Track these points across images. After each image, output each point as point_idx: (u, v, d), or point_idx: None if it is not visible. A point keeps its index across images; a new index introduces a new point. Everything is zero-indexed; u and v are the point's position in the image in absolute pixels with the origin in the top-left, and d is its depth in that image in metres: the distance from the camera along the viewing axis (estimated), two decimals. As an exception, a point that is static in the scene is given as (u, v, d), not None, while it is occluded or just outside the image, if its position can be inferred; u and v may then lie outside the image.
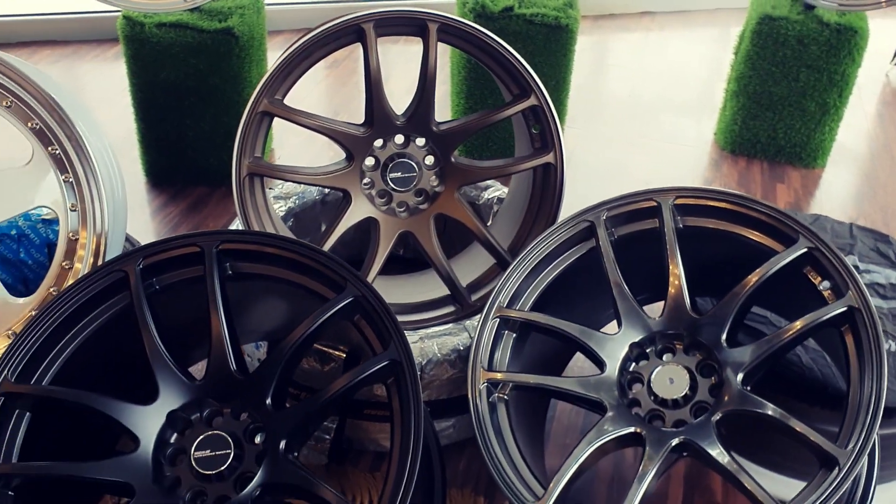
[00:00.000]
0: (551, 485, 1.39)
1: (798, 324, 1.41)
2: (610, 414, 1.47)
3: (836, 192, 2.83)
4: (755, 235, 1.52)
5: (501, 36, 1.74)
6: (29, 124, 1.60)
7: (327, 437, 1.78)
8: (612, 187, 2.68)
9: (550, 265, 1.64)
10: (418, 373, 1.30)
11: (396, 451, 1.24)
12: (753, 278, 1.46)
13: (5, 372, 1.33)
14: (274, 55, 2.77)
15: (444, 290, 1.86)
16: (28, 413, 1.35)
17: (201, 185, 2.74)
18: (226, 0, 2.56)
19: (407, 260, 2.29)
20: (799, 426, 1.36)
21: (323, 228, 2.24)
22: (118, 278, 1.41)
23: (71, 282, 1.63)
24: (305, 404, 1.32)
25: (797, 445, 1.37)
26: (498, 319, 1.58)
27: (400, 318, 1.65)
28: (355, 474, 1.83)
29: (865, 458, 1.30)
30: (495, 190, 2.18)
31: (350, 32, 1.68)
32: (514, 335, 1.60)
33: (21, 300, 1.63)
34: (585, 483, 1.81)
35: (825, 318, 1.38)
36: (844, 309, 1.37)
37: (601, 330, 1.57)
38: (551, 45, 2.65)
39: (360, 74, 3.68)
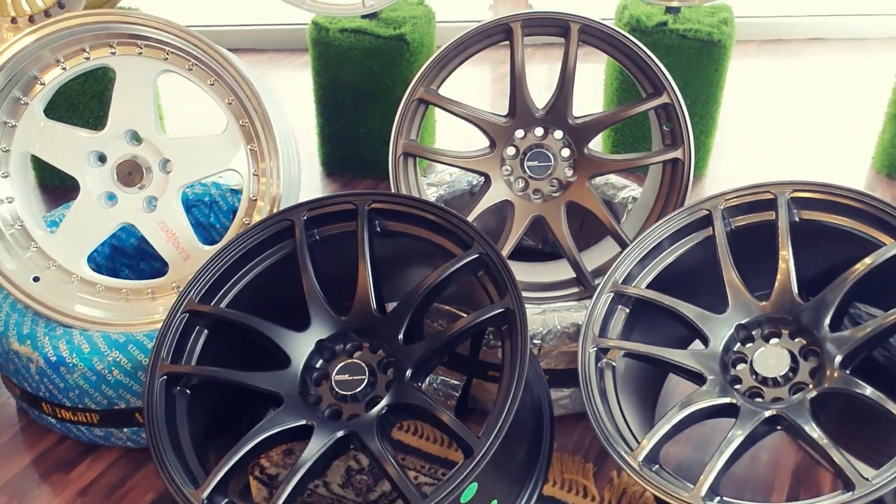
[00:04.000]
0: (644, 440, 1.51)
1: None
2: (707, 384, 1.57)
3: None
4: (868, 230, 1.58)
5: (654, 49, 1.89)
6: (227, 100, 1.91)
7: (455, 394, 1.98)
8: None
9: (668, 249, 1.76)
10: (528, 326, 1.46)
11: (506, 380, 1.41)
12: (861, 267, 1.52)
13: (190, 294, 1.62)
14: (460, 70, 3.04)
15: (569, 274, 2.02)
16: (206, 330, 1.63)
17: (370, 176, 3.03)
18: (402, 10, 2.84)
19: (544, 254, 2.46)
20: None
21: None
22: (286, 226, 1.67)
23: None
24: (430, 340, 1.52)
25: (885, 435, 1.43)
26: (612, 294, 1.72)
27: (526, 295, 1.83)
28: (476, 430, 2.00)
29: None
30: (631, 189, 2.31)
31: (500, 31, 1.89)
32: (627, 311, 1.74)
33: (208, 247, 1.94)
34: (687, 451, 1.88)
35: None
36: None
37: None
38: (703, 59, 2.75)
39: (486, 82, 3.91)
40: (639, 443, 1.53)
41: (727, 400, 1.54)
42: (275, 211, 1.89)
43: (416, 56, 2.80)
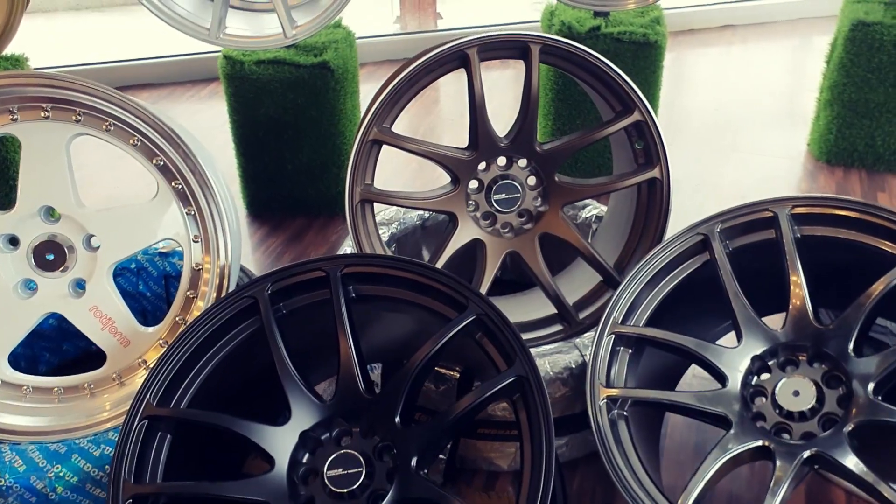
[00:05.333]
0: (682, 498, 1.38)
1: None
2: (735, 428, 1.45)
3: (942, 198, 2.75)
4: (877, 242, 1.49)
5: None
6: (154, 161, 1.69)
7: (442, 456, 1.81)
8: (703, 202, 2.65)
9: (664, 280, 1.64)
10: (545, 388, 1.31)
11: (528, 468, 1.26)
12: (880, 286, 1.43)
13: (147, 396, 1.40)
14: (365, 87, 2.86)
15: (548, 310, 1.88)
16: (169, 435, 1.41)
17: (300, 216, 2.81)
18: (319, 35, 2.64)
19: (505, 282, 2.31)
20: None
21: (424, 253, 2.28)
22: (247, 304, 1.47)
23: (196, 310, 1.70)
24: (436, 421, 1.34)
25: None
26: (614, 336, 1.59)
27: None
28: (470, 493, 1.84)
29: None
30: (594, 208, 2.19)
31: (454, 59, 1.73)
32: (630, 351, 1.61)
33: (150, 329, 1.71)
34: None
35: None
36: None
37: (717, 343, 1.56)
38: (640, 61, 2.66)
39: (441, 104, 3.76)
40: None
41: (759, 443, 1.42)
42: (226, 280, 1.67)
43: (342, 83, 2.60)
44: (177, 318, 1.71)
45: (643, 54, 2.64)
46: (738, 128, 3.26)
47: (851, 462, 1.35)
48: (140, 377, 1.70)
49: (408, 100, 1.77)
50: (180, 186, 1.69)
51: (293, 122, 2.62)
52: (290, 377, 1.40)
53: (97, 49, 4.09)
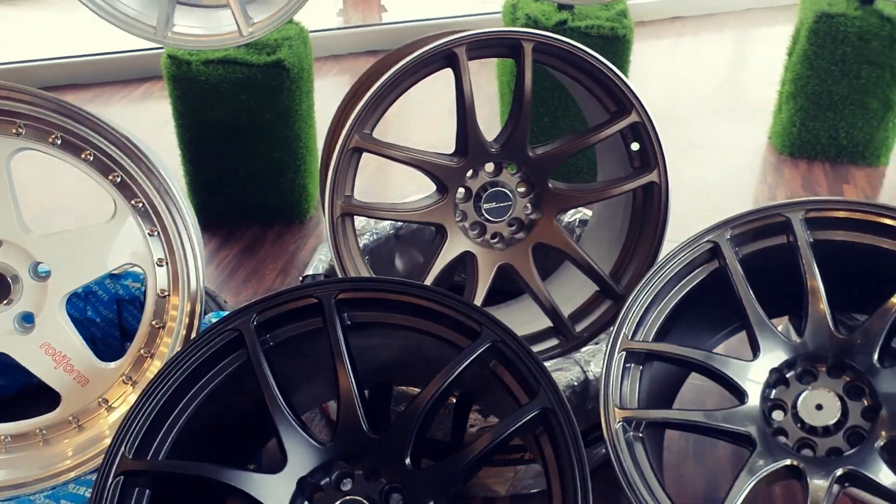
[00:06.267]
0: (713, 529, 1.29)
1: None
2: (760, 447, 1.37)
3: (904, 189, 2.76)
4: (893, 245, 1.43)
5: None
6: (110, 177, 1.51)
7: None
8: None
9: (672, 291, 1.55)
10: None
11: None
12: (902, 296, 1.37)
13: (122, 449, 1.23)
14: (320, 83, 2.70)
15: (542, 322, 1.77)
16: (148, 490, 1.25)
17: (254, 225, 2.64)
18: (271, 33, 2.47)
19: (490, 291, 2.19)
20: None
21: (397, 263, 2.15)
22: (231, 338, 1.31)
23: (163, 343, 1.54)
24: (452, 462, 1.22)
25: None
26: (625, 353, 1.49)
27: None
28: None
29: None
30: (577, 212, 2.09)
31: (441, 58, 1.60)
32: (641, 367, 1.51)
33: (112, 364, 1.53)
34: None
35: None
36: None
37: (728, 355, 1.48)
38: (608, 56, 2.52)
39: (407, 109, 3.61)
40: (701, 531, 1.31)
41: (787, 462, 1.35)
42: (198, 306, 1.51)
43: (297, 83, 2.44)
44: (141, 351, 1.55)
45: (611, 48, 2.56)
46: (694, 122, 3.22)
47: (887, 478, 1.29)
48: (102, 419, 1.53)
49: (390, 103, 1.63)
50: (141, 204, 1.52)
51: (246, 124, 2.45)
52: (285, 418, 1.26)
53: (8, 47, 3.78)
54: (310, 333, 1.34)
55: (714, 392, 1.98)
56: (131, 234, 1.53)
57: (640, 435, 1.44)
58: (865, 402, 1.39)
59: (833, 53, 2.68)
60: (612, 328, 1.52)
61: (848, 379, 1.42)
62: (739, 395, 1.44)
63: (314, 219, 2.70)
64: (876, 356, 1.39)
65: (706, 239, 1.52)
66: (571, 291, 1.85)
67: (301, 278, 1.96)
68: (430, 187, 1.69)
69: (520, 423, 1.19)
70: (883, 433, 1.33)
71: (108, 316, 1.95)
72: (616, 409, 1.44)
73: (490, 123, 3.12)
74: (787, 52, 2.88)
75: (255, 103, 2.41)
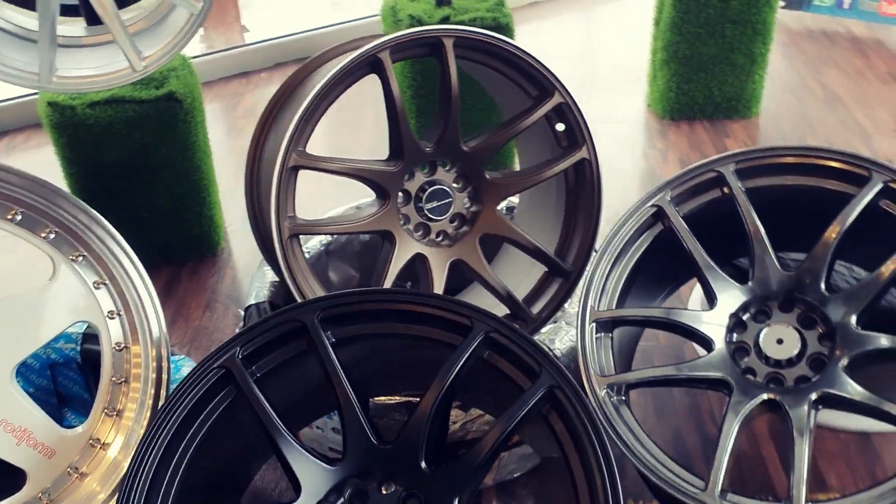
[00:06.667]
0: (713, 471, 1.36)
1: (890, 261, 1.43)
2: (736, 389, 1.45)
3: (781, 135, 2.96)
4: (823, 182, 1.54)
5: None
6: (43, 234, 1.43)
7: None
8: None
9: (625, 258, 1.61)
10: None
11: (584, 482, 1.18)
12: (837, 226, 1.48)
13: (124, 514, 1.17)
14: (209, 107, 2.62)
15: (497, 311, 1.80)
16: (160, 553, 1.19)
17: (165, 265, 2.54)
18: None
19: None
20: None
21: (332, 278, 2.13)
22: (217, 377, 1.27)
23: (130, 398, 1.47)
24: (468, 458, 1.22)
25: None
26: (595, 323, 1.54)
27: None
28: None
29: None
30: (504, 202, 2.13)
31: (366, 65, 1.59)
32: (610, 335, 1.57)
33: (79, 429, 1.45)
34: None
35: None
36: (942, 232, 1.42)
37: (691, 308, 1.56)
38: (494, 47, 2.62)
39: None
40: (701, 478, 1.38)
41: (765, 396, 1.43)
42: (164, 351, 1.45)
43: (191, 114, 2.36)
44: (105, 410, 1.47)
45: (496, 39, 2.61)
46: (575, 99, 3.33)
47: (858, 393, 1.39)
48: (75, 488, 1.44)
49: (319, 117, 1.61)
50: (82, 257, 1.44)
51: (143, 163, 2.35)
52: (291, 446, 1.23)
53: None
54: (295, 358, 1.32)
55: (659, 352, 2.08)
56: (75, 291, 1.45)
57: (624, 398, 1.50)
58: (820, 329, 1.49)
59: (698, 17, 2.85)
60: (578, 302, 1.57)
61: (800, 311, 1.52)
62: (707, 343, 1.51)
63: (226, 249, 2.62)
64: (823, 285, 1.49)
65: (649, 203, 1.60)
66: (518, 276, 1.89)
67: (243, 311, 1.91)
68: (339, 193, 1.68)
69: (530, 405, 1.21)
70: (844, 354, 1.43)
71: (41, 384, 1.83)
72: (599, 377, 1.48)
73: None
74: (654, 22, 3.03)
75: (150, 140, 2.32)
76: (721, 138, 2.95)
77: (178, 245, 2.54)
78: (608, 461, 1.16)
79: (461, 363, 1.25)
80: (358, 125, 3.08)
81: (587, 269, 1.60)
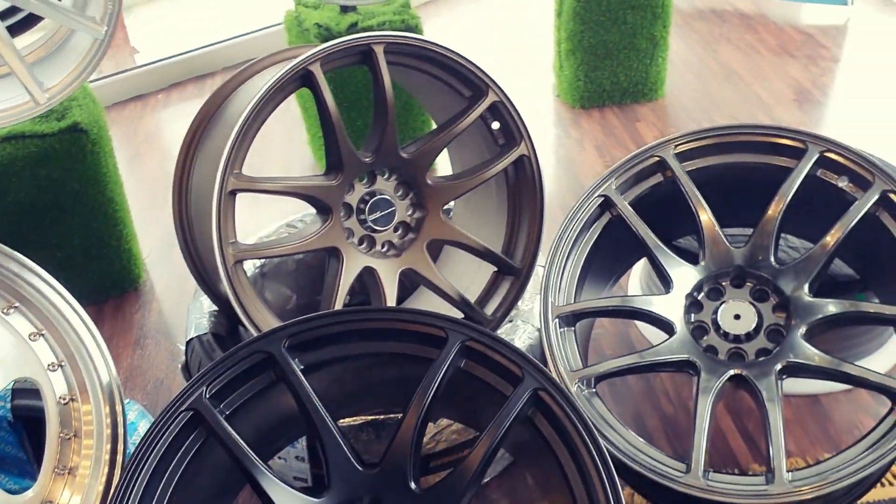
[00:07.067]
0: (694, 453, 1.37)
1: (839, 225, 1.48)
2: (703, 368, 1.47)
3: (687, 114, 3.04)
4: (761, 158, 1.58)
5: None
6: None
7: None
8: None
9: (577, 250, 1.61)
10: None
11: (580, 482, 1.16)
12: (780, 200, 1.52)
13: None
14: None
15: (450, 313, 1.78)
16: None
17: (87, 304, 2.37)
18: (53, 96, 2.24)
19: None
20: (871, 307, 1.46)
21: (269, 300, 2.05)
22: (185, 421, 1.20)
23: (84, 456, 1.37)
24: (459, 473, 1.19)
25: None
26: (558, 319, 1.53)
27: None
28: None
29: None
30: (437, 203, 2.10)
31: (297, 78, 1.54)
32: (573, 328, 1.56)
33: (29, 493, 1.34)
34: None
35: (865, 209, 1.47)
36: (878, 195, 1.47)
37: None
38: (405, 50, 2.59)
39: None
40: (681, 461, 1.39)
41: (732, 372, 1.46)
42: (115, 396, 1.36)
43: (99, 144, 2.24)
44: (56, 470, 1.36)
45: (407, 41, 2.59)
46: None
47: (815, 359, 1.43)
48: (33, 558, 1.33)
49: (253, 136, 1.54)
50: (13, 308, 1.34)
51: (53, 200, 2.21)
52: (275, 484, 1.17)
53: None
54: (264, 391, 1.26)
55: (608, 339, 2.10)
56: (7, 345, 1.34)
57: (594, 390, 1.50)
58: (774, 301, 1.53)
59: (599, 5, 2.89)
60: (539, 299, 1.56)
61: (752, 285, 1.55)
62: (668, 326, 1.53)
63: (148, 281, 2.50)
64: (773, 258, 1.53)
65: (596, 194, 1.60)
66: (466, 278, 1.87)
67: (184, 346, 1.82)
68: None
69: (517, 410, 1.19)
70: (801, 323, 1.47)
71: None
72: (569, 372, 1.48)
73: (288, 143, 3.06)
74: (556, 13, 3.06)
75: (57, 176, 2.19)
76: (632, 122, 3.01)
77: (97, 283, 2.40)
78: (602, 457, 1.15)
79: (440, 377, 1.22)
80: (269, 140, 2.99)
81: (544, 265, 1.59)
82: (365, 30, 2.54)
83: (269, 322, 1.57)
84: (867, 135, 2.72)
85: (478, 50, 3.73)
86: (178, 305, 2.38)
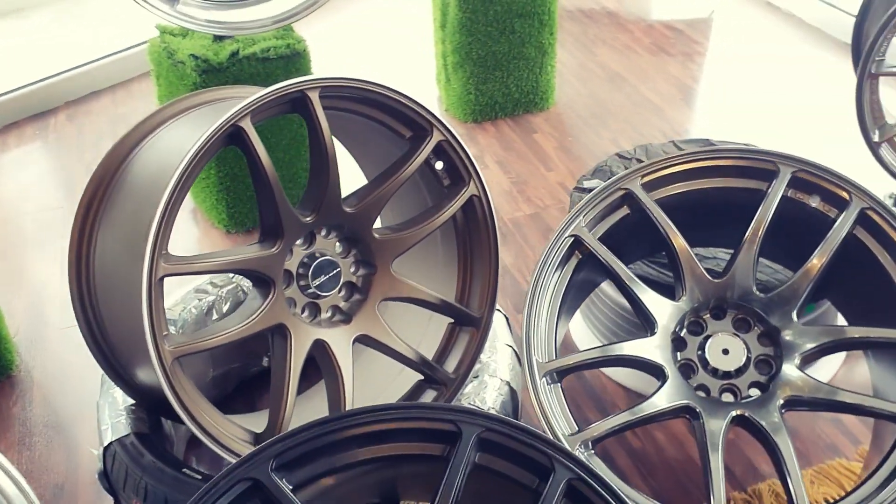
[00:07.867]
0: (718, 512, 1.28)
1: (821, 249, 1.42)
2: (704, 412, 1.38)
3: (581, 121, 2.98)
4: (731, 182, 1.51)
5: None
6: None
7: None
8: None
9: (552, 297, 1.48)
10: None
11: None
12: (758, 226, 1.45)
13: None
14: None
15: (405, 377, 1.62)
16: None
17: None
18: None
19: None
20: (876, 332, 1.42)
21: (211, 375, 1.81)
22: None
23: None
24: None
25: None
26: (546, 377, 1.40)
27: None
28: None
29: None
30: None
31: (224, 137, 1.31)
32: (559, 383, 1.44)
33: None
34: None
35: (846, 230, 1.42)
36: (858, 212, 1.42)
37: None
38: (293, 73, 2.38)
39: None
40: (702, 518, 1.29)
41: (735, 413, 1.37)
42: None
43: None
44: None
45: (295, 66, 2.37)
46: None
47: (816, 389, 1.38)
48: None
49: (178, 209, 1.30)
50: None
51: None
52: None
53: None
54: None
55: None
56: None
57: (594, 451, 1.38)
58: (759, 330, 1.46)
59: (486, 15, 2.78)
60: (523, 358, 1.42)
61: (734, 315, 1.48)
62: (658, 371, 1.43)
63: (23, 368, 2.16)
64: (754, 286, 1.46)
65: (567, 234, 1.48)
66: (415, 333, 1.70)
67: (100, 452, 1.55)
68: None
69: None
70: (795, 351, 1.41)
71: None
72: (569, 437, 1.35)
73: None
74: (439, 25, 2.92)
75: None
76: (529, 134, 2.92)
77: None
78: None
79: (459, 478, 1.05)
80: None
81: (522, 317, 1.45)
82: (248, 57, 2.30)
83: (218, 422, 1.35)
84: (762, 127, 2.74)
85: (352, 66, 3.54)
86: (64, 391, 2.07)
